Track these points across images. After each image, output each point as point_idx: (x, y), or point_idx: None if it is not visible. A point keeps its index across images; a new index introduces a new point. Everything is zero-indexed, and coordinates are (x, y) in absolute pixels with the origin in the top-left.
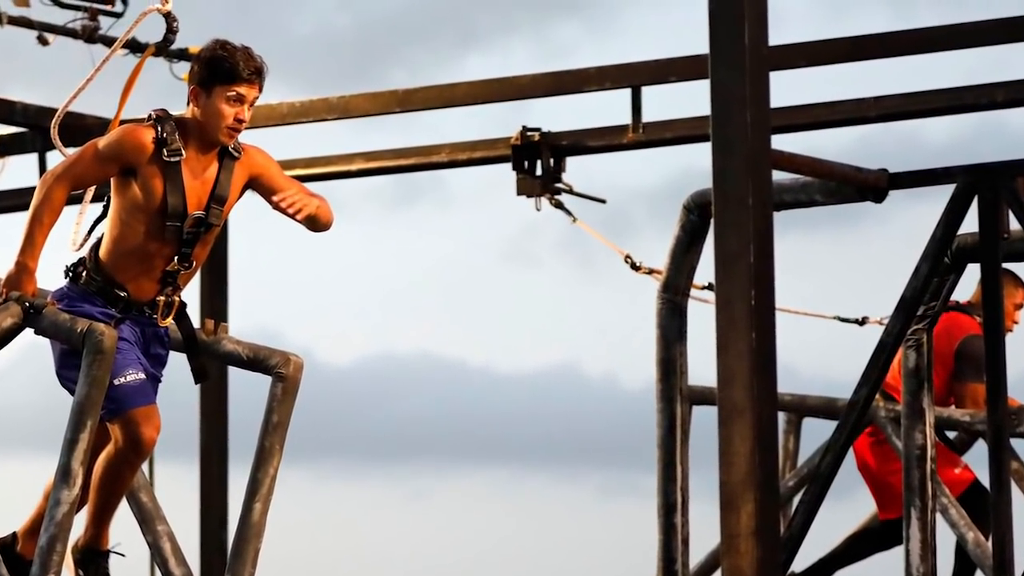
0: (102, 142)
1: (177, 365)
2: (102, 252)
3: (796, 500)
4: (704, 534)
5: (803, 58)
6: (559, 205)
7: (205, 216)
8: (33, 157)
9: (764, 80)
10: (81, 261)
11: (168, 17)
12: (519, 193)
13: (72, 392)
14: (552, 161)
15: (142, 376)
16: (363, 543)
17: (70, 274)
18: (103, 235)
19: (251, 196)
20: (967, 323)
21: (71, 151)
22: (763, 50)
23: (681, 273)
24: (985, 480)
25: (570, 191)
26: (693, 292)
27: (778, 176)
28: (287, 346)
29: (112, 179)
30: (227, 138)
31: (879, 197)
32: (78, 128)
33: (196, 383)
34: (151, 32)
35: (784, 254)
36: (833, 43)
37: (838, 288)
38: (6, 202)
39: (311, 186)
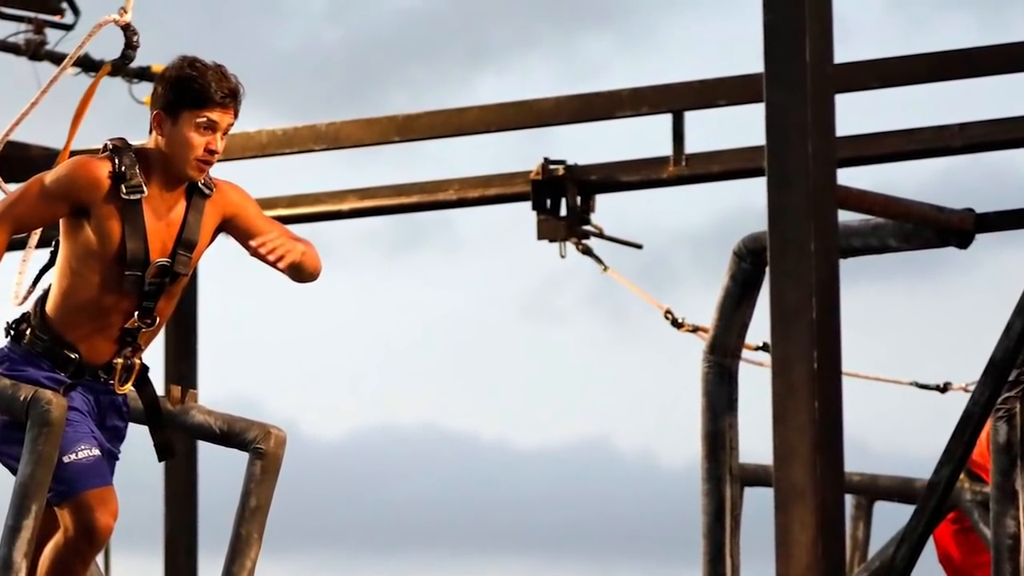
0: (49, 177)
1: (138, 439)
2: (49, 307)
3: None
4: None
5: (875, 78)
6: (587, 251)
7: (171, 264)
8: None
9: (829, 104)
10: (24, 317)
11: (127, 30)
12: (540, 237)
13: (14, 471)
14: (579, 199)
15: (96, 452)
16: None
17: (11, 333)
18: (50, 287)
19: (225, 240)
20: None
21: (12, 187)
22: (827, 68)
23: (731, 331)
24: None
25: (600, 235)
26: (745, 354)
27: (845, 217)
28: (267, 417)
29: (61, 221)
30: (197, 172)
31: (964, 242)
32: (20, 160)
33: (160, 460)
34: (107, 48)
35: (852, 308)
36: (910, 60)
37: (916, 349)
38: None
39: (295, 229)
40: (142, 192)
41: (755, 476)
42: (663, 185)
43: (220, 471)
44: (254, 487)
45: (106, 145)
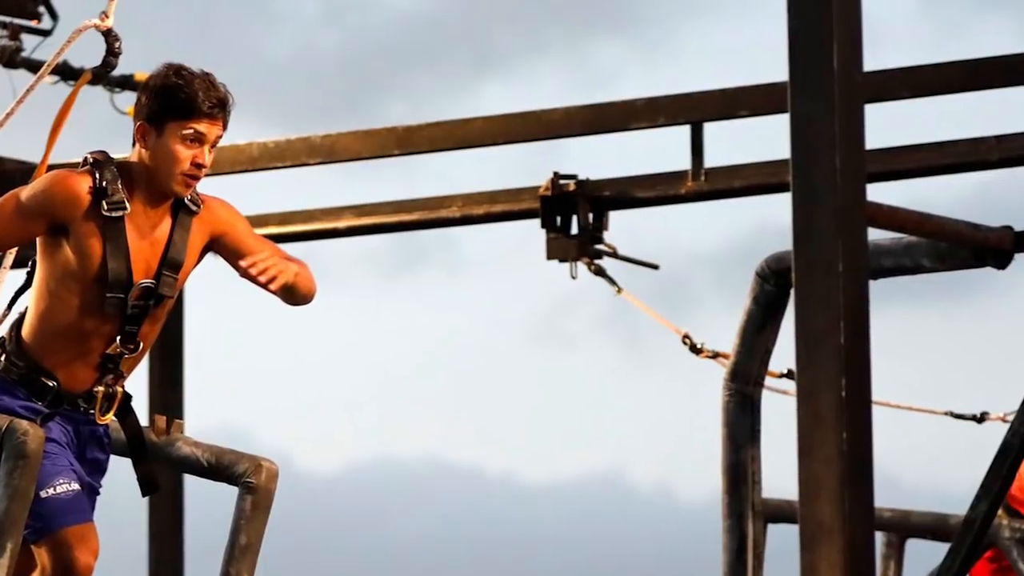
0: (25, 193)
1: (120, 473)
2: (26, 331)
3: None
4: None
5: (907, 87)
6: (600, 272)
7: (155, 285)
8: None
9: (858, 114)
10: None
11: (109, 36)
12: (550, 257)
13: None
14: (591, 216)
15: (76, 487)
16: None
17: None
18: (26, 310)
19: (213, 260)
20: None
21: None
22: (856, 77)
23: (753, 357)
24: None
25: (614, 254)
26: (768, 381)
27: (875, 235)
28: (258, 449)
29: (38, 239)
30: (183, 187)
31: (1002, 262)
32: None
33: (144, 495)
34: (87, 54)
35: (883, 333)
36: (944, 68)
37: (950, 376)
38: None
39: (288, 248)
40: (125, 209)
41: (779, 512)
42: (681, 201)
43: (208, 507)
44: (244, 524)
45: (86, 159)
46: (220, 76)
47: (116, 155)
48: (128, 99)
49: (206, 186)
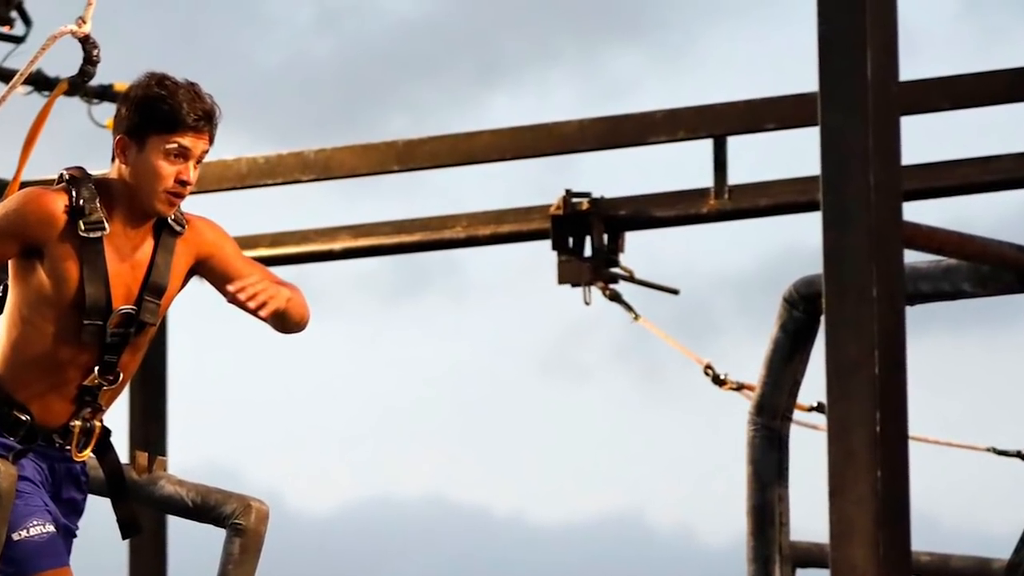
0: None
1: (98, 513)
2: None
3: None
4: None
5: (946, 98)
6: (615, 297)
7: (136, 312)
8: None
9: (893, 127)
10: None
11: (86, 43)
12: (561, 281)
13: None
14: (606, 237)
15: (51, 529)
16: None
17: None
18: None
19: (198, 285)
20: None
21: None
22: (892, 87)
23: (780, 389)
24: None
25: (630, 278)
26: (796, 415)
27: (912, 257)
28: (247, 488)
29: (10, 262)
30: (166, 206)
31: None
32: None
33: (124, 538)
34: (63, 63)
35: (920, 363)
36: (987, 77)
37: (993, 409)
38: None
39: (280, 271)
40: (103, 229)
41: (808, 556)
42: (703, 221)
43: (193, 550)
44: (232, 568)
45: (62, 175)
46: (206, 86)
47: (94, 171)
48: (107, 111)
49: (191, 205)
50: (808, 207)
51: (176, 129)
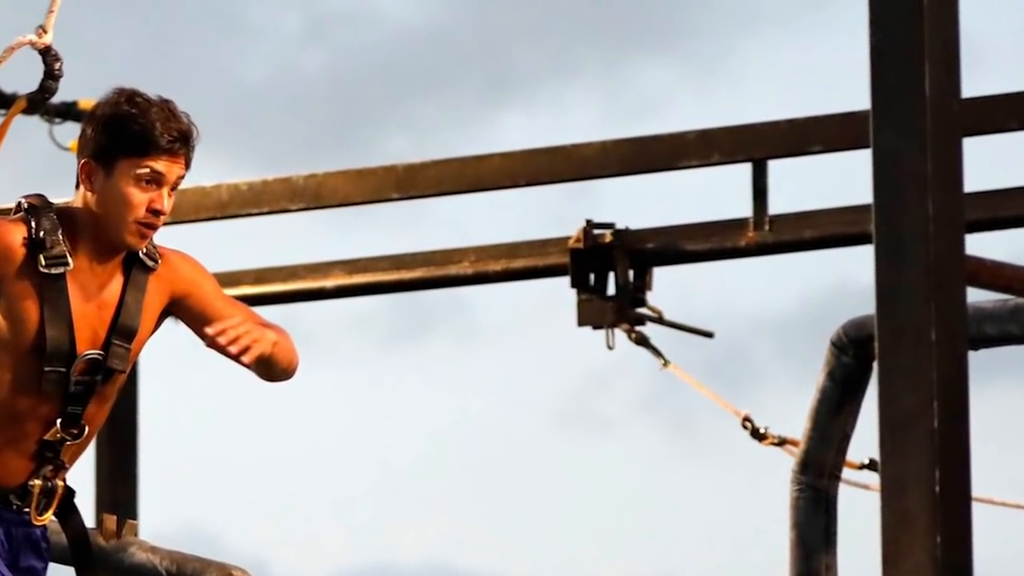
0: None
1: None
2: None
3: None
4: None
5: (1013, 117)
6: (642, 341)
7: (103, 358)
8: None
9: (955, 150)
10: None
11: (47, 55)
12: (582, 322)
13: None
14: (632, 274)
15: None
16: None
17: None
18: None
19: (173, 326)
20: None
21: None
22: (953, 105)
23: (828, 445)
24: None
25: (659, 319)
26: (846, 473)
27: (975, 296)
28: (228, 555)
29: None
30: (137, 239)
31: None
32: None
33: None
34: (22, 78)
35: (985, 414)
36: None
37: None
38: None
39: (265, 312)
40: (66, 264)
41: None
42: (740, 256)
43: None
44: None
45: (19, 204)
46: (182, 104)
47: (56, 199)
48: (71, 131)
49: (165, 237)
50: (858, 240)
51: (148, 152)
